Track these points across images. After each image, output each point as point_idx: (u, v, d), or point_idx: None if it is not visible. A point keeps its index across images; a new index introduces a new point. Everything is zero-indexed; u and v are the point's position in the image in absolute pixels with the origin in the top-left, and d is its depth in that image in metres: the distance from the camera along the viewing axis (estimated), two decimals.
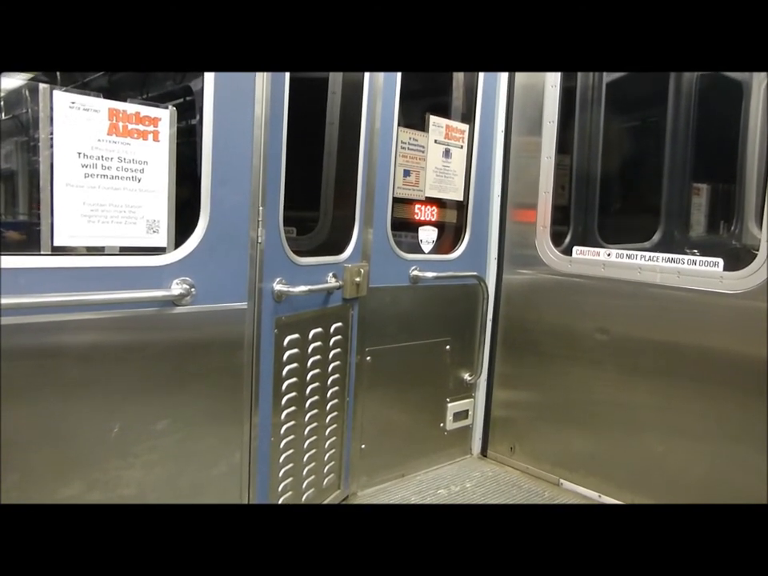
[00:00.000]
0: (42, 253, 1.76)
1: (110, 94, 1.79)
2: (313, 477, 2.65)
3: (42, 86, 1.69)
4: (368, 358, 2.94)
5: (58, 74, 1.96)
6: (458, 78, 3.37)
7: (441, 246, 3.30)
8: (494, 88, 3.32)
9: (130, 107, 1.83)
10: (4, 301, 1.57)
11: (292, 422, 2.46)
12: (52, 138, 1.70)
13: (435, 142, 3.14)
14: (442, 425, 3.40)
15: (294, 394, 2.44)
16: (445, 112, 3.33)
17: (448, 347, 3.33)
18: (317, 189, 2.92)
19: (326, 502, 2.78)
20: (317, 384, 2.58)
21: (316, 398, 2.59)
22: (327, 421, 2.70)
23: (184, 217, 2.00)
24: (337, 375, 2.72)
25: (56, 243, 1.72)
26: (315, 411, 2.60)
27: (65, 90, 1.70)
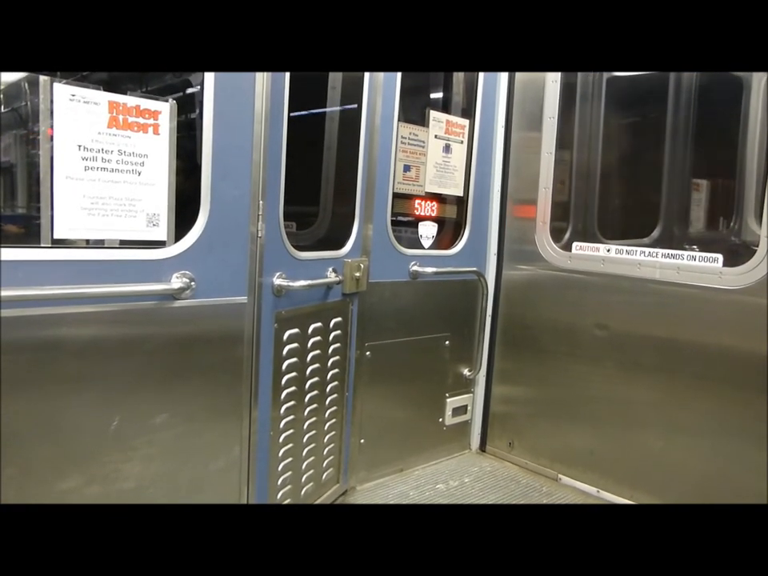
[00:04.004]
0: (41, 245, 1.75)
1: (110, 86, 1.79)
2: (312, 471, 2.65)
3: (42, 78, 1.69)
4: (367, 353, 2.94)
5: None
6: (459, 73, 3.36)
7: (440, 242, 3.30)
8: (495, 83, 3.31)
9: (131, 100, 1.82)
10: (3, 293, 1.57)
11: (291, 417, 2.46)
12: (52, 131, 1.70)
13: (435, 137, 3.14)
14: (440, 420, 3.40)
15: (293, 388, 2.45)
16: (445, 107, 3.33)
17: (447, 342, 3.34)
18: (317, 184, 2.92)
19: (324, 496, 2.78)
20: (316, 379, 2.59)
21: (315, 392, 2.59)
22: (326, 415, 2.71)
23: (184, 210, 1.99)
24: (336, 370, 2.72)
25: (56, 236, 1.72)
26: (314, 406, 2.60)
27: (65, 83, 1.69)
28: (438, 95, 3.46)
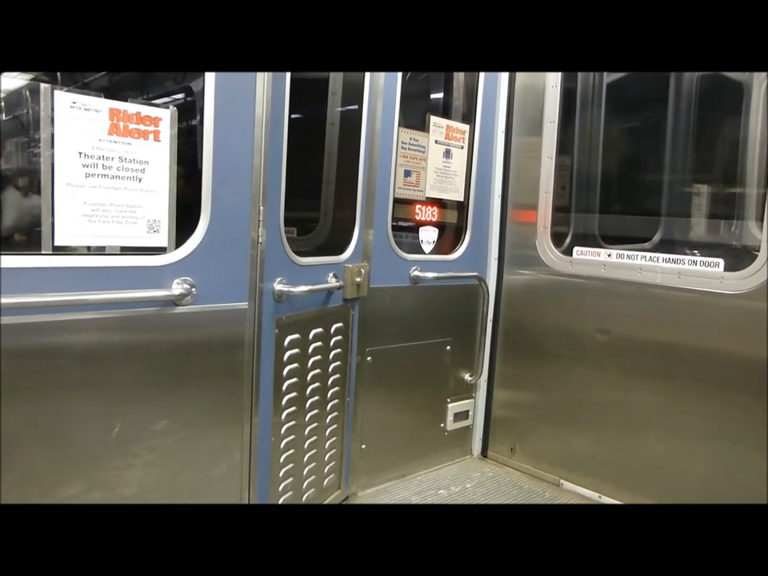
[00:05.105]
0: (42, 252, 1.76)
1: (111, 93, 1.80)
2: (313, 477, 2.65)
3: (43, 85, 1.69)
4: (368, 358, 2.94)
5: (58, 73, 1.96)
6: (459, 78, 3.37)
7: (441, 247, 3.30)
8: (495, 88, 3.32)
9: (131, 107, 1.83)
10: (5, 300, 1.58)
11: (292, 422, 2.46)
12: (53, 138, 1.70)
13: (436, 142, 3.14)
14: (442, 425, 3.40)
15: (294, 394, 2.44)
16: (445, 112, 3.34)
17: (448, 347, 3.33)
18: (317, 189, 2.93)
19: (326, 502, 2.78)
20: (317, 384, 2.58)
21: (316, 398, 2.59)
22: (327, 421, 2.70)
23: (185, 217, 2.00)
24: (337, 375, 2.72)
25: (57, 243, 1.72)
26: (315, 411, 2.60)
27: (66, 90, 1.70)
28: (438, 100, 3.46)
